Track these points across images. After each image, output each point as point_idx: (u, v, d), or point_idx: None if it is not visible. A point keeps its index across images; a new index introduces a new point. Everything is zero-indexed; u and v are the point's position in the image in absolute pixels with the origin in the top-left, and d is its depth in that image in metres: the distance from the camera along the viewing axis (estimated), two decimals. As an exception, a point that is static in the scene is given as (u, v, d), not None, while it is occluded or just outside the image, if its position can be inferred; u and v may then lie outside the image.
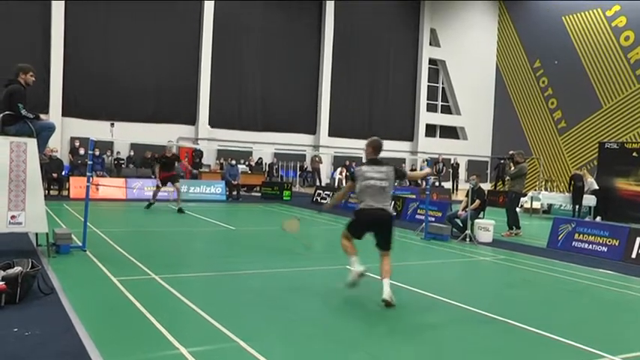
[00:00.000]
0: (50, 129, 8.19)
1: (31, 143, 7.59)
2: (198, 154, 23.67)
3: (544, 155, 30.52)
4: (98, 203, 15.21)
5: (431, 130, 33.03)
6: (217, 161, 25.07)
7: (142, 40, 24.50)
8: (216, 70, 26.06)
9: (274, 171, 26.07)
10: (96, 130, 20.70)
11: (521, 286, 7.81)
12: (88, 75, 23.28)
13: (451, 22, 33.31)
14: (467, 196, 12.00)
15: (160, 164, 14.97)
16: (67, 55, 22.90)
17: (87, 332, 4.62)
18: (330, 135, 29.05)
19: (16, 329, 4.61)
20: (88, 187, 8.73)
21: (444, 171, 27.74)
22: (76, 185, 16.85)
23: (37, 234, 8.21)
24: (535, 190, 23.06)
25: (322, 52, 29.08)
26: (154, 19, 24.69)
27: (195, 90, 25.83)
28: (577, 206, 17.41)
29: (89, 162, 8.93)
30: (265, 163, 26.39)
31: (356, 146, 28.69)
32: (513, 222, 12.92)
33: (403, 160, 30.17)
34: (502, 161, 25.24)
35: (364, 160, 6.65)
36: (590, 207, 17.58)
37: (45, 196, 8.68)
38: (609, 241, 10.28)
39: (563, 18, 30.16)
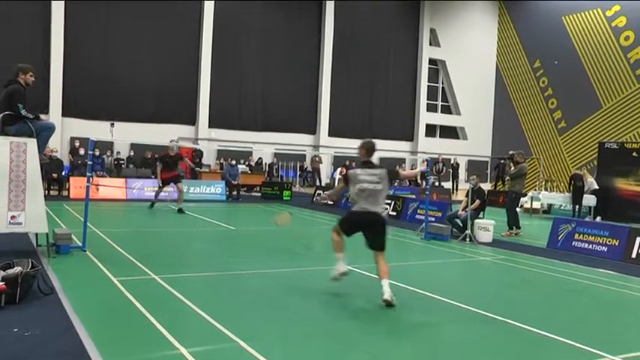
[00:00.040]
0: (50, 129, 8.19)
1: (31, 143, 7.59)
2: (199, 154, 23.67)
3: (544, 155, 30.52)
4: (98, 203, 15.21)
5: (431, 130, 33.03)
6: (217, 161, 25.07)
7: (142, 40, 24.50)
8: (216, 70, 26.07)
9: (274, 171, 26.08)
10: (96, 130, 20.69)
11: (521, 286, 7.81)
12: (88, 75, 23.28)
13: (451, 22, 33.31)
14: (467, 196, 12.00)
15: (163, 163, 14.77)
16: (66, 55, 22.90)
17: (87, 332, 4.62)
18: (330, 135, 29.05)
19: (16, 329, 4.62)
20: (88, 187, 8.73)
21: (444, 171, 27.75)
22: (76, 185, 16.84)
23: (37, 234, 8.20)
24: (535, 190, 23.06)
25: (322, 52, 29.08)
26: (154, 19, 24.69)
27: (195, 90, 25.83)
28: (577, 206, 17.41)
29: (89, 162, 8.92)
30: (265, 163, 26.39)
31: (356, 146, 28.58)
32: (513, 222, 12.92)
33: (403, 160, 30.22)
34: (502, 161, 25.25)
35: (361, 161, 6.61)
36: (590, 207, 17.58)
37: (45, 196, 8.68)
38: (609, 241, 10.28)
39: (563, 18, 30.16)
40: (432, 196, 16.38)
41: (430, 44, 32.72)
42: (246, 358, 4.30)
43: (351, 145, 28.62)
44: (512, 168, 13.41)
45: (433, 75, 33.48)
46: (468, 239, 11.33)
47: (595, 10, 28.64)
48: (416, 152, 31.75)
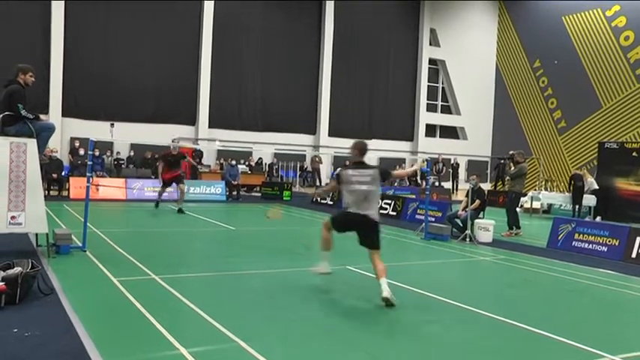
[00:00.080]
0: (50, 129, 8.19)
1: (31, 144, 7.59)
2: (198, 154, 23.67)
3: (544, 155, 30.52)
4: (98, 204, 15.21)
5: (431, 130, 33.02)
6: (217, 161, 25.07)
7: (142, 40, 24.49)
8: (216, 70, 26.06)
9: (274, 171, 26.08)
10: (96, 130, 20.68)
11: (522, 286, 7.81)
12: (88, 75, 23.27)
13: (451, 22, 33.31)
14: (467, 196, 12.00)
15: (165, 162, 14.63)
16: (66, 54, 22.89)
17: (87, 332, 4.62)
18: (330, 135, 29.04)
19: (15, 330, 4.61)
20: (88, 187, 8.73)
21: (444, 171, 27.75)
22: (76, 186, 16.85)
23: (37, 234, 8.21)
24: (535, 190, 23.06)
25: (322, 52, 29.07)
26: (154, 19, 24.68)
27: (195, 90, 25.81)
28: (577, 206, 17.41)
29: (89, 162, 8.93)
30: (265, 164, 26.39)
31: (355, 146, 28.63)
32: (513, 222, 12.92)
33: (403, 160, 30.21)
34: (502, 161, 25.24)
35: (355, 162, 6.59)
36: (590, 207, 17.58)
37: (45, 196, 8.68)
38: (609, 241, 10.28)
39: (563, 18, 30.15)
40: (432, 196, 16.39)
41: (430, 44, 32.71)
42: (246, 358, 4.30)
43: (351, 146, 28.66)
44: (512, 168, 13.42)
45: (433, 75, 33.48)
46: (467, 239, 11.33)
47: (595, 10, 28.64)
48: (416, 152, 31.75)
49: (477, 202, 11.98)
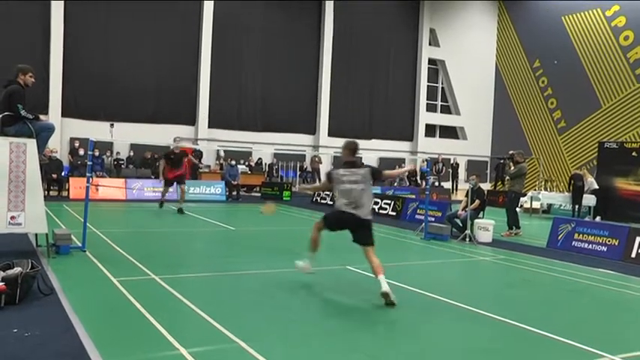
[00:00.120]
0: (50, 129, 8.19)
1: (31, 144, 7.59)
2: (198, 154, 23.67)
3: (544, 155, 30.53)
4: (98, 204, 15.21)
5: (430, 130, 33.02)
6: (217, 162, 25.07)
7: (142, 40, 24.49)
8: (216, 70, 26.06)
9: (274, 171, 26.08)
10: (95, 130, 20.70)
11: (521, 286, 7.81)
12: (88, 75, 23.26)
13: (451, 22, 33.31)
14: (466, 196, 12.01)
15: (167, 161, 14.55)
16: (66, 55, 22.88)
17: (87, 333, 4.63)
18: (329, 135, 29.03)
19: (15, 330, 4.62)
20: (87, 187, 8.73)
21: (444, 171, 27.76)
22: (76, 186, 16.85)
23: (36, 234, 8.21)
24: (535, 189, 23.06)
25: (322, 52, 29.07)
26: (154, 19, 24.68)
27: (194, 90, 25.81)
28: (577, 206, 17.41)
29: (89, 162, 8.94)
30: (265, 164, 26.39)
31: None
32: (513, 222, 12.93)
33: (403, 161, 30.20)
34: (502, 161, 25.25)
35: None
36: (589, 207, 17.59)
37: (44, 196, 8.68)
38: (609, 241, 10.28)
39: (562, 18, 30.16)
40: (432, 196, 16.39)
41: (430, 44, 32.71)
42: (246, 358, 4.30)
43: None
44: (512, 168, 13.42)
45: (433, 75, 33.47)
46: (467, 239, 11.33)
47: (594, 10, 28.65)
48: (416, 152, 31.75)
49: (477, 202, 11.98)
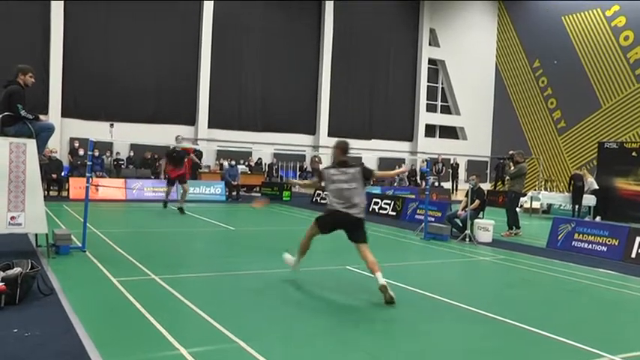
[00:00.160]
0: (49, 130, 8.19)
1: (31, 144, 7.59)
2: (198, 154, 23.65)
3: (544, 155, 30.53)
4: (98, 204, 15.22)
5: (430, 130, 33.03)
6: (217, 162, 25.07)
7: (142, 40, 24.49)
8: (216, 70, 26.06)
9: (274, 171, 26.08)
10: (95, 130, 20.74)
11: (521, 286, 7.81)
12: (88, 75, 23.26)
13: (451, 22, 33.32)
14: (466, 196, 12.01)
15: (169, 159, 14.48)
16: (66, 55, 22.89)
17: (87, 333, 4.63)
18: (329, 135, 29.01)
19: (15, 330, 4.62)
20: (87, 187, 8.73)
21: (444, 171, 27.76)
22: (76, 186, 16.85)
23: (36, 235, 8.20)
24: (535, 190, 23.06)
25: (322, 52, 29.08)
26: (154, 19, 24.68)
27: (194, 90, 25.81)
28: (577, 206, 17.41)
29: (88, 163, 8.95)
30: (265, 164, 26.39)
31: (356, 146, 28.50)
32: (513, 222, 12.93)
33: (403, 161, 30.21)
34: (502, 161, 25.25)
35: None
36: (589, 207, 17.59)
37: (44, 196, 8.67)
38: (609, 241, 10.28)
39: (562, 18, 30.17)
40: (432, 196, 16.39)
41: (430, 44, 32.73)
42: (247, 358, 4.31)
43: (350, 145, 28.70)
44: (512, 168, 13.42)
45: (433, 75, 33.48)
46: (467, 239, 11.33)
47: (594, 10, 28.65)
48: (415, 152, 31.76)
49: (477, 202, 11.99)
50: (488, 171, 32.62)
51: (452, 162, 29.21)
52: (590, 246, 10.52)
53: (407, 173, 28.48)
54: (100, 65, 23.45)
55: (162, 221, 13.26)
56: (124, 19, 24.06)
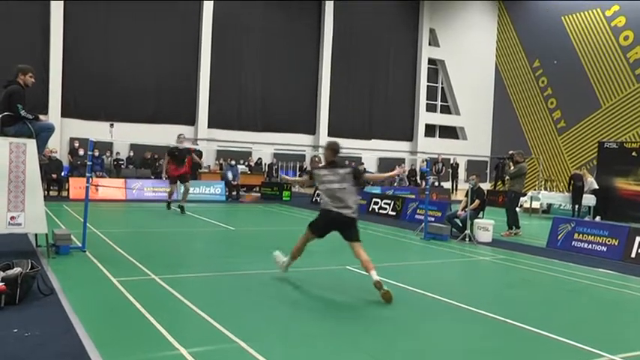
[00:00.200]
0: (49, 130, 8.19)
1: (31, 144, 7.59)
2: (198, 154, 23.61)
3: (543, 155, 30.54)
4: (98, 204, 15.21)
5: (430, 130, 33.04)
6: (217, 162, 25.07)
7: (142, 40, 24.49)
8: (215, 70, 26.07)
9: (274, 171, 26.08)
10: (95, 130, 20.74)
11: (521, 286, 7.81)
12: (88, 75, 23.26)
13: (450, 22, 33.32)
14: (466, 195, 12.01)
15: (171, 157, 14.39)
16: (66, 55, 22.89)
17: (87, 333, 4.63)
18: (329, 135, 28.98)
19: (15, 330, 4.62)
20: (87, 187, 8.73)
21: (444, 171, 27.76)
22: (76, 186, 16.84)
23: (36, 235, 8.20)
24: (535, 189, 23.06)
25: (322, 52, 29.08)
26: (154, 19, 24.68)
27: (194, 90, 25.82)
28: (576, 206, 17.42)
29: (88, 163, 8.95)
30: (265, 164, 26.39)
31: (356, 146, 28.70)
32: (513, 222, 12.93)
33: (403, 160, 30.21)
34: (502, 161, 25.25)
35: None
36: (589, 207, 17.59)
37: (44, 196, 8.67)
38: (609, 241, 10.28)
39: (562, 18, 30.17)
40: (432, 196, 16.39)
41: (429, 44, 32.73)
42: (246, 358, 4.31)
43: (350, 145, 28.79)
44: (512, 168, 13.43)
45: (432, 75, 33.48)
46: (467, 239, 11.33)
47: (594, 10, 28.66)
48: (415, 152, 31.77)
49: (477, 201, 11.98)
50: (488, 171, 32.63)
51: (452, 162, 29.21)
52: (590, 246, 10.52)
53: (407, 173, 28.46)
54: (100, 65, 23.45)
55: (162, 221, 13.26)
56: (123, 19, 24.06)
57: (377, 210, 16.44)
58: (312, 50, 29.05)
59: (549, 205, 19.75)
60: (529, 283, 8.01)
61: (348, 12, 29.58)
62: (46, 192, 15.43)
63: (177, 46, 25.24)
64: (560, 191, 23.49)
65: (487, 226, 11.56)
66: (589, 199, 17.46)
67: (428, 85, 32.90)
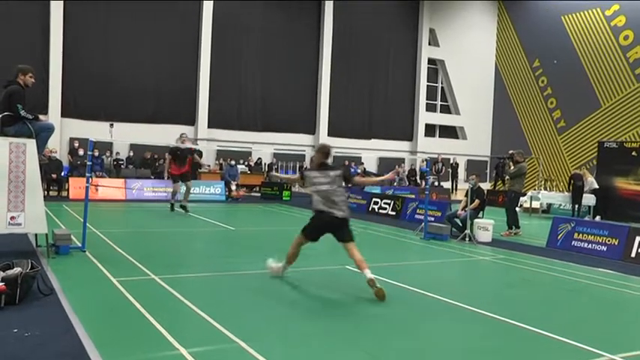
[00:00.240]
0: (49, 130, 8.19)
1: (30, 144, 7.59)
2: (198, 154, 23.60)
3: (543, 155, 30.53)
4: (97, 204, 15.22)
5: (430, 129, 33.03)
6: (217, 162, 25.06)
7: (142, 40, 24.48)
8: (215, 70, 26.06)
9: (274, 171, 26.06)
10: (95, 130, 20.74)
11: (521, 286, 7.82)
12: (88, 75, 23.25)
13: (450, 22, 33.32)
14: (466, 195, 12.01)
15: (173, 156, 14.37)
16: (66, 55, 22.88)
17: (87, 333, 4.63)
18: (329, 135, 29.02)
19: (15, 330, 4.62)
20: (87, 187, 8.73)
21: (444, 171, 27.76)
22: (76, 186, 16.85)
23: (36, 235, 8.20)
24: (534, 189, 23.07)
25: (322, 52, 29.07)
26: (154, 19, 24.68)
27: (194, 90, 25.81)
28: (576, 206, 17.42)
29: (88, 163, 8.95)
30: (265, 164, 26.39)
31: (356, 146, 28.72)
32: (513, 221, 12.93)
33: (403, 160, 30.22)
34: (502, 161, 25.25)
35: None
36: (589, 206, 17.59)
37: (44, 196, 8.67)
38: (609, 241, 10.29)
39: (562, 18, 30.17)
40: (432, 195, 16.40)
41: (429, 44, 32.72)
42: (246, 358, 4.31)
43: (350, 145, 28.82)
44: (512, 167, 13.43)
45: (432, 75, 33.48)
46: (467, 239, 11.34)
47: (594, 10, 28.66)
48: (415, 152, 31.76)
49: (477, 201, 11.99)
50: (488, 170, 32.62)
51: (451, 162, 29.21)
52: (589, 245, 10.53)
53: (406, 173, 28.47)
54: (100, 65, 23.44)
55: (162, 221, 13.26)
56: (123, 19, 24.06)
57: (377, 210, 16.44)
58: (311, 50, 29.04)
59: (549, 205, 19.75)
60: (529, 282, 8.02)
61: (348, 12, 29.58)
62: (46, 192, 15.44)
63: (176, 46, 25.24)
64: (560, 191, 23.50)
65: (487, 225, 11.56)
66: (589, 199, 17.47)
67: (428, 85, 32.90)
